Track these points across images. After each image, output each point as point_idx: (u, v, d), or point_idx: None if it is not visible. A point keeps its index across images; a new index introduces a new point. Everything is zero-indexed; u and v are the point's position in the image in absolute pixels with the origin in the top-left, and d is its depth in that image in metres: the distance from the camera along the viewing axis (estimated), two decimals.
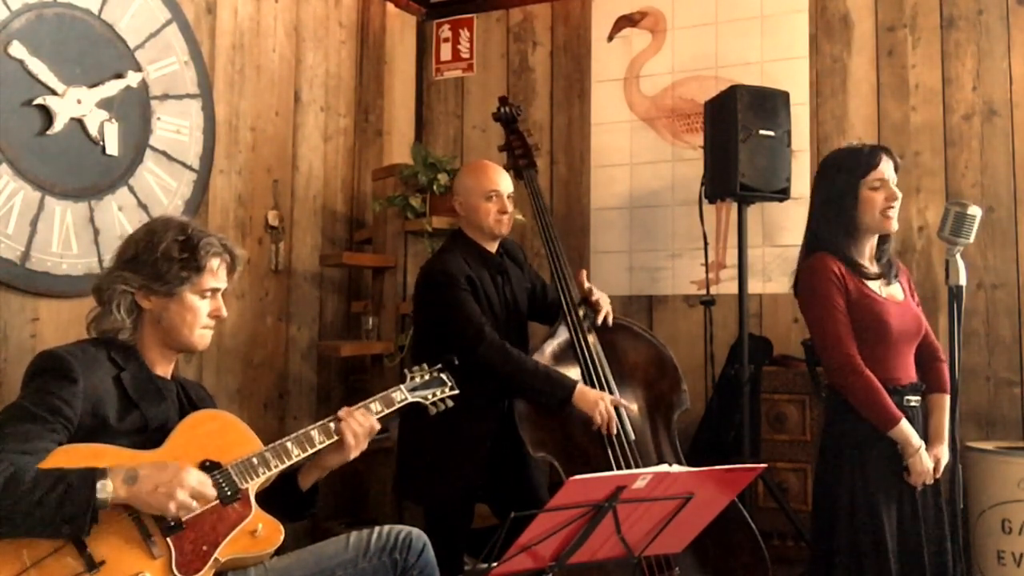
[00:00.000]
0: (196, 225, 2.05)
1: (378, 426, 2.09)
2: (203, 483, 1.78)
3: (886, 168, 2.42)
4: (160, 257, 1.96)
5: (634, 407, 2.78)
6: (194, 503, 1.76)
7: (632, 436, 2.67)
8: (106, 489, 1.67)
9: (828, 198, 2.47)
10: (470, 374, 2.43)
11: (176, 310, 1.97)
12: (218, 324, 2.08)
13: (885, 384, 2.35)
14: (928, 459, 2.34)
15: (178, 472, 1.75)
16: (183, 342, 2.01)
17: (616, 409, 2.67)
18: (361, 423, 2.05)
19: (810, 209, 2.57)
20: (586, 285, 2.88)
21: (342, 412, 2.05)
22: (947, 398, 2.46)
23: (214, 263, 2.01)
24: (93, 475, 1.68)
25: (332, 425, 2.04)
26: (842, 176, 2.44)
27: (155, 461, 1.78)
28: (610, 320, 2.86)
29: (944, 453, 2.40)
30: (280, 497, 2.02)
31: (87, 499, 1.65)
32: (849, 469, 2.37)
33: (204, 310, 2.01)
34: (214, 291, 2.03)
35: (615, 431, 2.64)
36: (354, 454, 2.05)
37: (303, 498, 2.08)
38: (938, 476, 2.39)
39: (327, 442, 2.03)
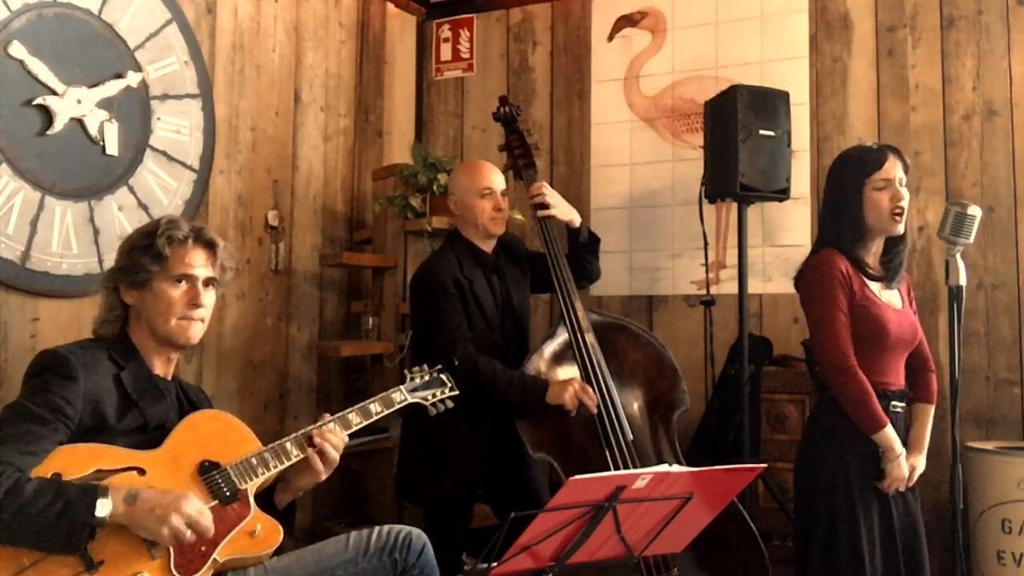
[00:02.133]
0: (175, 218, 2.05)
1: (345, 441, 2.04)
2: (201, 513, 1.75)
3: (892, 168, 2.40)
4: (129, 250, 1.98)
5: (634, 406, 2.78)
6: (188, 532, 1.72)
7: (630, 436, 2.66)
8: (105, 508, 1.66)
9: (836, 197, 2.46)
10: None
11: (152, 301, 1.97)
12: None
13: (874, 387, 2.35)
14: (906, 467, 2.35)
15: (177, 499, 1.73)
16: (162, 334, 1.98)
17: (614, 406, 2.66)
18: (335, 444, 2.01)
19: (820, 208, 2.56)
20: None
21: (320, 426, 2.03)
22: (932, 409, 2.50)
23: (180, 249, 1.98)
24: (93, 492, 1.67)
25: (316, 440, 2.01)
26: (848, 175, 2.44)
27: (159, 489, 1.76)
28: (547, 201, 2.87)
29: (920, 463, 2.42)
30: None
31: (85, 517, 1.64)
32: (830, 468, 2.38)
33: (178, 298, 1.97)
34: (189, 278, 1.99)
35: (595, 410, 2.62)
36: (324, 475, 2.01)
37: (279, 516, 2.04)
38: (911, 484, 2.40)
39: None
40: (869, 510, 2.34)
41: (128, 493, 1.70)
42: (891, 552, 2.34)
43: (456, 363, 2.34)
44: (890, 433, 2.33)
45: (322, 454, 1.99)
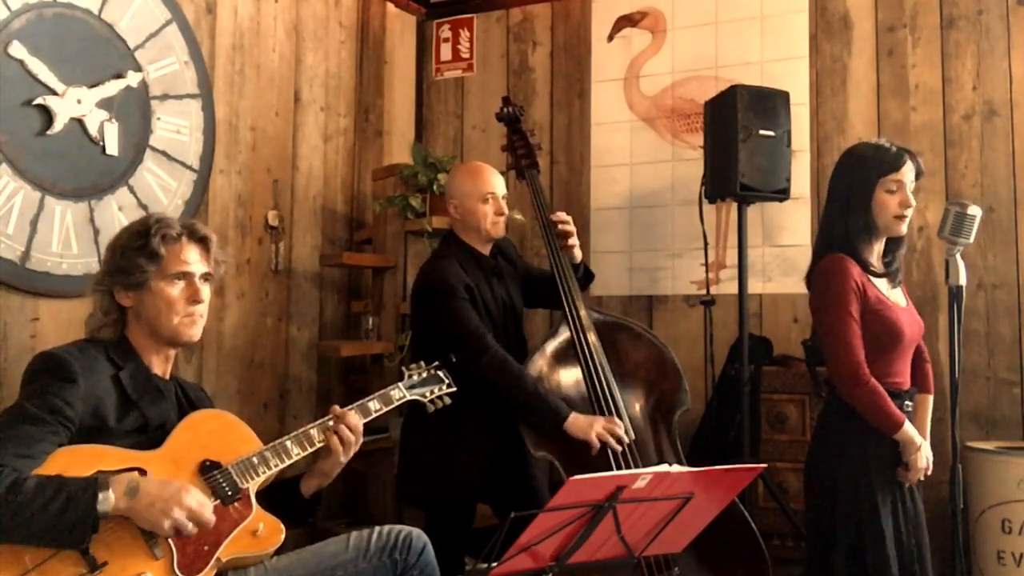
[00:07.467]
0: (164, 216, 2.03)
1: (361, 427, 2.06)
2: (203, 505, 1.76)
3: (907, 172, 2.38)
4: (121, 252, 1.96)
5: (636, 406, 2.78)
6: (190, 524, 1.73)
7: (632, 435, 2.66)
8: (107, 500, 1.66)
9: (846, 192, 2.42)
10: (470, 379, 2.44)
11: (151, 301, 1.96)
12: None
13: (888, 389, 2.34)
14: (924, 457, 2.36)
15: (179, 491, 1.73)
16: (165, 333, 1.97)
17: (616, 405, 2.66)
18: (346, 435, 2.02)
19: (827, 201, 2.51)
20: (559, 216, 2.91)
21: (332, 418, 2.04)
22: (930, 398, 2.52)
23: (174, 247, 1.97)
24: (95, 485, 1.67)
25: (332, 423, 2.04)
26: (861, 171, 2.40)
27: (160, 479, 1.77)
28: (569, 231, 2.88)
29: (928, 451, 2.42)
30: (282, 505, 2.01)
31: (88, 510, 1.64)
32: (850, 469, 2.36)
33: (178, 296, 1.97)
34: (186, 275, 1.98)
35: (619, 449, 2.60)
36: (344, 460, 2.03)
37: (305, 505, 2.08)
38: (928, 473, 2.40)
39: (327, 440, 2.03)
40: (886, 505, 2.34)
41: (129, 486, 1.70)
42: (905, 546, 2.34)
43: (454, 360, 2.34)
44: (909, 429, 2.33)
45: (339, 438, 2.01)
